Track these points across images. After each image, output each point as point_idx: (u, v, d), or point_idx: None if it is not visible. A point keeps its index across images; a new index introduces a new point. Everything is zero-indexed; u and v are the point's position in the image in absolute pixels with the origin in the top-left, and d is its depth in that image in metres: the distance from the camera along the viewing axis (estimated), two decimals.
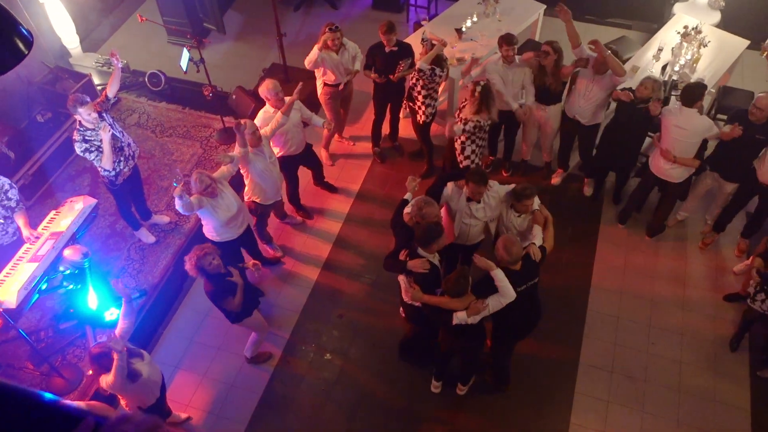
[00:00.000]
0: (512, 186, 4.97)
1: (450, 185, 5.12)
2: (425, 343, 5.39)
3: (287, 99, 5.64)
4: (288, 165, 6.17)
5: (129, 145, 5.74)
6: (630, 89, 5.88)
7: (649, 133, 6.23)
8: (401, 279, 4.80)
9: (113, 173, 5.63)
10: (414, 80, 6.27)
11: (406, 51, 6.36)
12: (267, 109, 5.79)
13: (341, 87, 6.63)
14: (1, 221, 5.21)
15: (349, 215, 6.80)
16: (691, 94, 5.45)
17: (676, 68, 6.63)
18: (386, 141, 7.31)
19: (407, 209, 4.87)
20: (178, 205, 4.92)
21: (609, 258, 6.32)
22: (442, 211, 5.18)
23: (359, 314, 5.98)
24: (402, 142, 7.39)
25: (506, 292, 4.32)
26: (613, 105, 6.14)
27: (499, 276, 4.30)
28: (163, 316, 5.95)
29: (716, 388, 5.38)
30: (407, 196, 5.03)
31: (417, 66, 6.13)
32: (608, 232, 6.54)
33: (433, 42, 6.09)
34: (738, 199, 6.01)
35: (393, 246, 4.89)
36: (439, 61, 6.12)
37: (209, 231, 5.35)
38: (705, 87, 5.62)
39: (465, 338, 4.68)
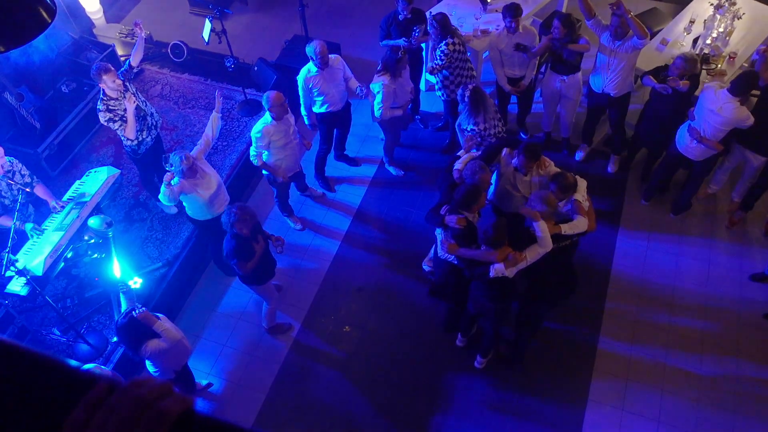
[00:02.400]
0: (558, 171, 4.86)
1: (506, 150, 5.14)
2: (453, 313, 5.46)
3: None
4: (325, 122, 6.19)
5: (152, 114, 5.76)
6: (664, 66, 5.74)
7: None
8: (438, 233, 4.85)
9: (136, 143, 5.67)
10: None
11: (419, 17, 6.34)
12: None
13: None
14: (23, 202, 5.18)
15: (370, 189, 6.78)
16: (745, 83, 5.16)
17: (708, 41, 6.43)
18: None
19: (458, 165, 4.94)
20: (165, 193, 4.98)
21: (632, 236, 6.23)
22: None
23: (379, 288, 6.00)
24: (425, 117, 7.35)
25: (545, 242, 4.33)
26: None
27: (542, 226, 4.32)
28: (185, 286, 6.03)
29: (738, 364, 5.32)
30: (460, 152, 5.12)
31: None
32: (632, 210, 6.44)
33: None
34: (765, 176, 5.84)
35: (435, 203, 4.93)
36: (453, 33, 6.02)
37: (194, 211, 5.35)
38: (757, 76, 5.37)
39: (497, 298, 4.67)
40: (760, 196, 6.04)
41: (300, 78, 5.87)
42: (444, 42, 5.96)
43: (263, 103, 5.37)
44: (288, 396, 5.36)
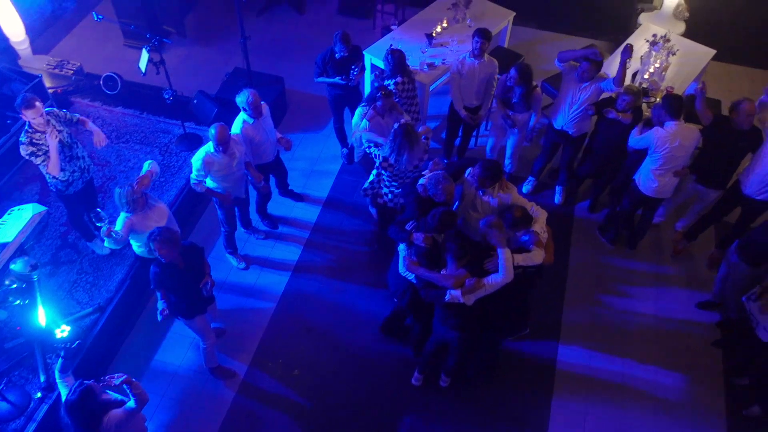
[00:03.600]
0: (511, 205, 4.77)
1: (471, 170, 4.99)
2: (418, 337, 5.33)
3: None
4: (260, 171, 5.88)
5: (83, 158, 5.40)
6: (610, 99, 5.86)
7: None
8: (401, 249, 4.72)
9: (62, 183, 5.28)
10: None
11: (356, 54, 6.27)
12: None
13: None
14: None
15: (317, 224, 6.55)
16: (677, 104, 5.27)
17: (646, 76, 6.63)
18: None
19: (423, 179, 4.83)
20: (109, 244, 4.65)
21: (583, 264, 6.23)
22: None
23: (330, 326, 5.73)
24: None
25: (507, 272, 4.24)
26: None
27: (506, 255, 4.24)
28: (119, 332, 5.57)
29: (691, 393, 5.33)
30: (425, 171, 5.03)
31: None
32: (581, 238, 6.46)
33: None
34: (718, 209, 5.98)
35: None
36: (405, 71, 5.97)
37: (145, 249, 5.00)
38: (680, 97, 5.53)
39: (459, 326, 4.53)
40: (706, 228, 6.17)
41: (237, 131, 5.49)
42: (393, 80, 5.89)
43: (209, 136, 5.09)
44: None
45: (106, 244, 4.66)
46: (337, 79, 6.21)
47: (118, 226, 4.71)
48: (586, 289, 6.03)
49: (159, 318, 4.57)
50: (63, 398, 3.92)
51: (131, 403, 3.86)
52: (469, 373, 5.33)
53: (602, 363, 5.51)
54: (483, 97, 6.32)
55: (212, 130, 5.04)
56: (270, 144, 5.76)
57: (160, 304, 4.58)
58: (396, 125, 5.19)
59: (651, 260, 6.30)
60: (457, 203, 5.19)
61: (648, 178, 5.61)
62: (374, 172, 5.60)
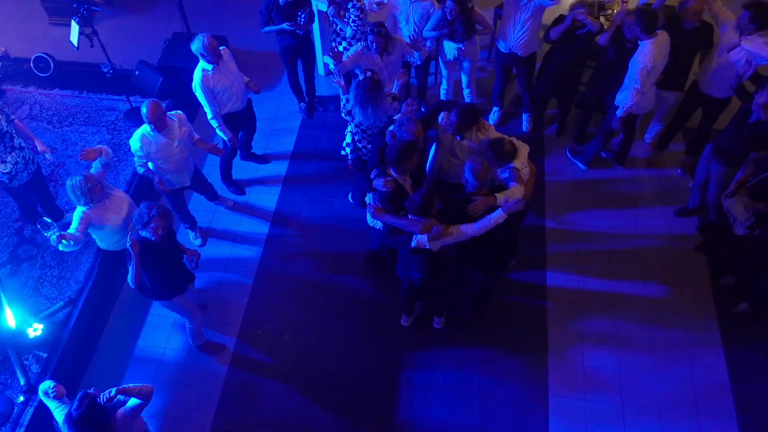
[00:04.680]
0: (496, 137, 4.56)
1: (444, 114, 4.76)
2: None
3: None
4: (229, 124, 5.58)
5: (25, 148, 5.05)
6: (561, 16, 5.70)
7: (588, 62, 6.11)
8: (369, 198, 4.55)
9: (4, 174, 4.92)
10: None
11: (302, 1, 5.94)
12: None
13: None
14: None
15: (285, 186, 6.32)
16: (650, 20, 5.04)
17: None
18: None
19: (392, 126, 4.60)
20: (65, 248, 4.26)
21: (557, 190, 6.17)
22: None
23: (312, 287, 5.57)
24: (323, 100, 7.03)
25: (482, 229, 4.10)
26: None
27: (498, 218, 4.07)
28: (96, 323, 5.32)
29: (681, 300, 5.38)
30: (397, 116, 4.76)
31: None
32: (553, 162, 6.39)
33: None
34: (681, 113, 5.95)
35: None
36: None
37: (108, 243, 4.73)
38: (655, 12, 5.28)
39: (421, 270, 4.42)
40: (675, 134, 6.15)
41: (197, 82, 5.18)
42: (351, 4, 5.60)
43: (142, 115, 4.73)
44: (235, 420, 4.83)
45: (60, 248, 4.27)
46: (284, 26, 5.88)
47: (74, 223, 4.35)
48: (566, 215, 5.98)
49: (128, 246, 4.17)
50: (55, 412, 3.71)
51: (134, 400, 3.69)
52: (458, 312, 5.27)
53: (591, 284, 5.50)
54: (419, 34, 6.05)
55: (143, 108, 4.68)
56: (237, 90, 5.41)
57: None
58: (360, 76, 4.91)
59: (626, 177, 6.27)
60: (434, 149, 5.02)
61: (636, 98, 5.44)
62: (348, 128, 5.37)
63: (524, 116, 6.69)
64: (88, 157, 4.51)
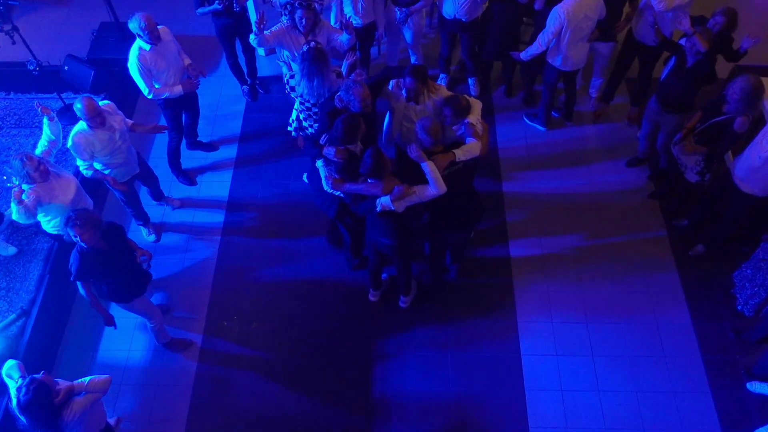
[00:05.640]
0: (451, 94, 4.54)
1: (393, 82, 4.68)
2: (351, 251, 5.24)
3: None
4: (170, 107, 5.39)
5: None
6: None
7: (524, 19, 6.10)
8: (319, 165, 4.44)
9: None
10: None
11: None
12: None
13: None
14: None
15: (236, 171, 6.15)
16: None
17: None
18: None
19: (340, 92, 4.48)
20: (19, 211, 4.18)
21: (510, 152, 6.20)
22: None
23: (275, 272, 5.47)
24: (264, 81, 6.83)
25: (437, 185, 4.08)
26: None
27: (431, 167, 4.06)
28: (54, 331, 5.10)
29: (639, 248, 5.52)
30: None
31: None
32: (503, 124, 6.42)
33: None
34: (620, 63, 6.03)
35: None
36: None
37: (58, 224, 4.55)
38: None
39: (394, 234, 4.41)
40: (617, 84, 6.23)
41: (132, 61, 4.98)
42: None
43: (77, 112, 4.51)
44: (210, 415, 4.74)
45: (14, 216, 4.20)
46: (215, 5, 5.64)
47: (24, 195, 4.24)
48: (521, 177, 6.01)
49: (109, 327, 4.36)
50: (13, 395, 3.56)
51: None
52: (425, 279, 5.26)
53: (552, 242, 5.58)
54: (371, 14, 5.91)
55: (78, 105, 4.47)
56: (175, 72, 5.20)
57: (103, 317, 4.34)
58: (305, 47, 4.74)
59: (575, 134, 6.35)
60: (387, 117, 4.94)
61: (561, 54, 5.53)
62: (294, 106, 5.20)
63: (470, 81, 6.68)
64: (46, 110, 4.60)
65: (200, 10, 5.77)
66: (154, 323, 4.78)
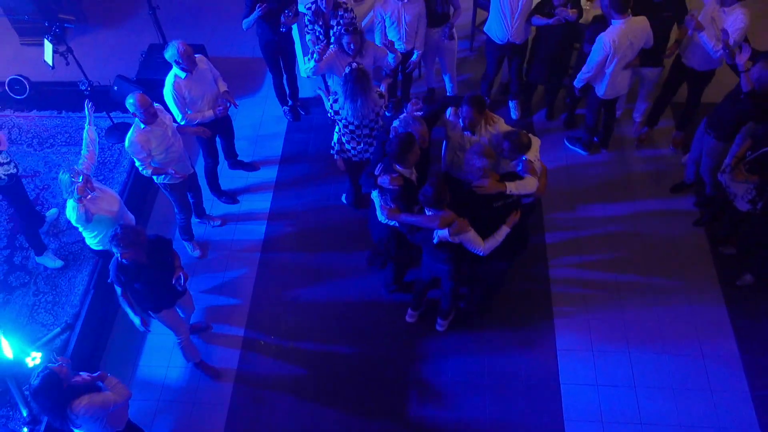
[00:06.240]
0: (510, 129, 4.49)
1: (451, 110, 4.67)
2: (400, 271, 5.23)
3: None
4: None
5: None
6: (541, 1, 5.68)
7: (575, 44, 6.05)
8: (375, 196, 4.45)
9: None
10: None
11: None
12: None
13: None
14: None
15: (277, 190, 6.22)
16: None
17: None
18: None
19: (396, 122, 4.51)
20: (77, 215, 4.27)
21: (551, 176, 6.10)
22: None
23: (314, 291, 5.49)
24: (305, 103, 6.91)
25: (498, 237, 4.14)
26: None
27: (503, 232, 4.16)
28: (96, 346, 5.21)
29: (684, 275, 5.36)
30: (402, 115, 4.69)
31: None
32: (547, 148, 6.33)
33: None
34: (667, 88, 5.92)
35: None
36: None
37: (104, 238, 4.58)
38: None
39: (451, 260, 4.35)
40: (663, 109, 6.12)
41: (168, 89, 5.07)
42: (340, 12, 5.58)
43: (128, 109, 4.63)
44: None
45: (68, 212, 4.34)
46: (257, 11, 5.61)
47: (69, 211, 4.35)
48: (562, 201, 5.92)
49: (141, 329, 4.42)
50: None
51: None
52: (463, 305, 5.21)
53: (593, 268, 5.47)
54: (414, 40, 5.93)
55: (131, 99, 4.57)
56: (210, 99, 5.26)
57: (136, 320, 4.38)
58: (347, 69, 4.80)
59: (619, 158, 6.24)
60: (445, 145, 4.91)
61: (604, 81, 5.45)
62: (336, 129, 5.27)
63: (511, 103, 6.64)
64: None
65: (245, 21, 5.79)
66: (181, 339, 4.80)
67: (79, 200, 4.24)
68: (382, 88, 5.20)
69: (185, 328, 4.83)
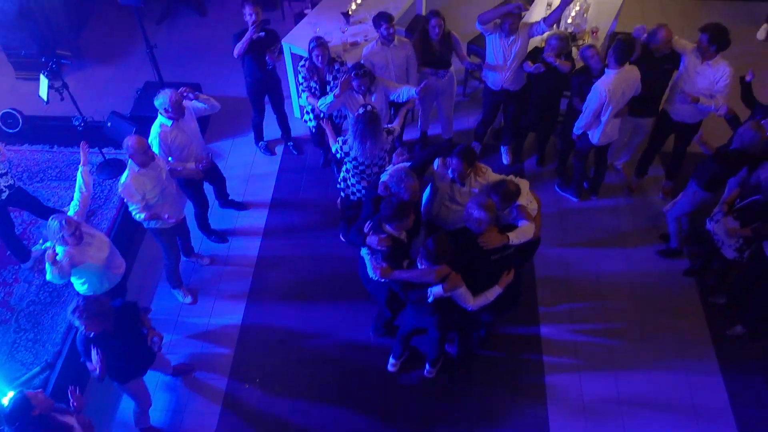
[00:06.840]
0: (499, 178, 4.49)
1: (439, 161, 4.66)
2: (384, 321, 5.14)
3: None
4: (192, 182, 5.44)
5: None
6: (538, 49, 5.79)
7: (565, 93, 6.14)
8: (364, 253, 4.37)
9: None
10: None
11: (272, 37, 5.88)
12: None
13: None
14: None
15: (267, 230, 6.19)
16: (627, 50, 5.10)
17: (569, 21, 6.55)
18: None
19: (384, 177, 4.46)
20: (54, 272, 4.15)
21: (546, 223, 6.11)
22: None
23: (301, 335, 5.41)
24: (298, 143, 6.94)
25: (489, 296, 4.14)
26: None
27: (495, 292, 4.14)
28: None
29: (675, 327, 5.33)
30: (388, 167, 4.67)
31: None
32: (536, 191, 6.32)
33: None
34: (655, 139, 5.99)
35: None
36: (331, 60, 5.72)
37: (90, 285, 4.54)
38: (632, 40, 5.34)
39: (439, 310, 4.28)
40: (652, 160, 6.18)
41: (154, 136, 5.01)
42: (335, 67, 5.72)
43: (126, 150, 4.59)
44: None
45: (48, 276, 4.16)
46: (249, 32, 5.70)
47: (59, 256, 4.20)
48: (551, 247, 5.89)
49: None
50: None
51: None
52: (451, 350, 5.13)
53: (582, 320, 5.42)
54: (407, 81, 5.98)
55: (128, 142, 4.55)
56: (196, 146, 5.25)
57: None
58: (360, 110, 4.84)
59: (609, 206, 6.28)
60: (428, 193, 4.88)
61: (599, 129, 5.52)
62: (344, 168, 5.30)
63: (503, 149, 6.70)
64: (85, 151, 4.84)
65: (237, 47, 5.82)
66: (140, 408, 4.63)
67: (54, 261, 4.13)
68: (396, 123, 5.30)
69: (148, 398, 4.63)
